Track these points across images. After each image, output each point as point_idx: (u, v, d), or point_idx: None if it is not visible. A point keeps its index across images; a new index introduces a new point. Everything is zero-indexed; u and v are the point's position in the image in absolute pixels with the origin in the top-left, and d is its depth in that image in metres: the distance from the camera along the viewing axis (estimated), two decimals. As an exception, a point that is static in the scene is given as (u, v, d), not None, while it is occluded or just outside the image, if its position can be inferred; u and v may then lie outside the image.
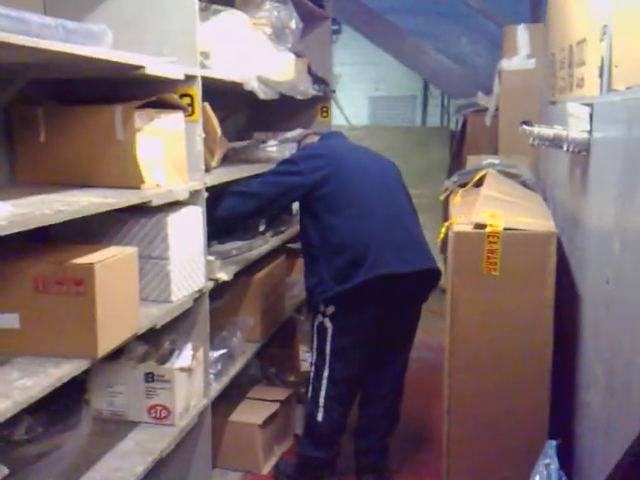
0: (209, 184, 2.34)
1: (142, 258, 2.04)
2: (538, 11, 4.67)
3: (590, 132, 1.86)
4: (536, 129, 1.97)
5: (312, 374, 2.65)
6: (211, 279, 2.42)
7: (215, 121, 2.45)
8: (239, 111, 3.74)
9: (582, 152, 1.90)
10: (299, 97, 3.06)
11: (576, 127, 1.93)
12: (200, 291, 2.31)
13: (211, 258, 2.44)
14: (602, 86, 1.84)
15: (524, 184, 2.83)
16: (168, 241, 2.07)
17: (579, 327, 2.04)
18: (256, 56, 2.69)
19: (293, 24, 3.07)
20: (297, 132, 3.55)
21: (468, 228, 2.07)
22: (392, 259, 2.47)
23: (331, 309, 2.56)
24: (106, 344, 1.67)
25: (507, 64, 3.39)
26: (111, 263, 1.67)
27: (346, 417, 2.67)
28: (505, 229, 2.01)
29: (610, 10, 1.71)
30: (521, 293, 2.03)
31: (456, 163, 4.32)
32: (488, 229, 2.00)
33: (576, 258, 2.10)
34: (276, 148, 3.39)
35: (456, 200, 2.64)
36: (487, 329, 2.08)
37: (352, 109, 6.73)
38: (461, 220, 2.15)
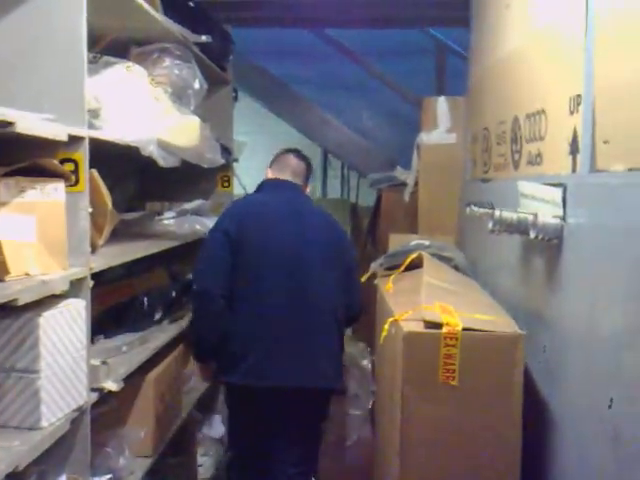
0: (96, 269, 1.88)
1: (2, 371, 1.55)
2: (443, 84, 4.59)
3: (564, 218, 1.59)
4: (497, 212, 1.68)
5: None
6: (95, 389, 1.92)
7: (105, 191, 2.01)
8: (127, 178, 3.30)
9: (552, 240, 1.62)
10: (205, 166, 2.68)
11: (540, 210, 1.66)
12: (80, 409, 1.79)
13: (96, 362, 1.94)
14: (575, 164, 1.58)
15: (456, 268, 2.56)
16: (39, 348, 1.58)
17: (551, 456, 1.71)
18: (155, 117, 2.29)
19: (197, 84, 2.71)
20: (196, 203, 3.18)
21: (419, 327, 1.72)
22: (276, 369, 2.23)
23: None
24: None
25: (427, 138, 3.18)
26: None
27: None
28: (464, 329, 1.68)
29: (593, 79, 1.46)
30: (483, 407, 1.69)
31: (370, 240, 4.06)
32: (445, 329, 1.67)
33: (541, 365, 1.79)
34: (174, 221, 2.99)
35: (388, 287, 2.30)
36: (444, 450, 1.71)
37: (249, 179, 6.40)
38: (408, 316, 1.80)
